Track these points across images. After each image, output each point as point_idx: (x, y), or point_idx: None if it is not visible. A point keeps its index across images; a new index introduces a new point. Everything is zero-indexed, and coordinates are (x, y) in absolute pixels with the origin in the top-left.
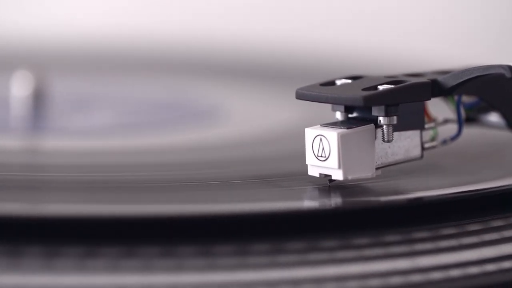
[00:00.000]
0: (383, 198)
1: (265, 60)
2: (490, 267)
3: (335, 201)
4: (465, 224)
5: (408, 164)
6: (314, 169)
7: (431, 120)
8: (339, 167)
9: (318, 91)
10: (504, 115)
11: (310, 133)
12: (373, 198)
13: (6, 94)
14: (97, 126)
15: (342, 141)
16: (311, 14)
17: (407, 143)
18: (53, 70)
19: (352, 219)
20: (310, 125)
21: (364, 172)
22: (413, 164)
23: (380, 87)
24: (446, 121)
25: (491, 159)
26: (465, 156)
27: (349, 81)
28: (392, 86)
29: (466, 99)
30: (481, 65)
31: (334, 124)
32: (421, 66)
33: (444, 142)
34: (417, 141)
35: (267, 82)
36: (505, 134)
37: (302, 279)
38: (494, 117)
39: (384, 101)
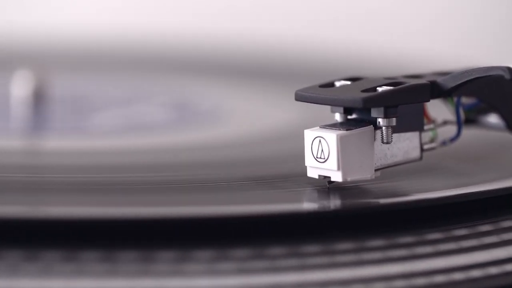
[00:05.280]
0: (382, 200)
1: (265, 60)
2: (477, 272)
3: (334, 203)
4: (465, 226)
5: (407, 165)
6: (313, 170)
7: (430, 121)
8: (338, 169)
9: (317, 93)
10: (503, 116)
11: (309, 134)
12: (372, 200)
13: (6, 94)
14: (97, 126)
15: (341, 143)
16: (311, 15)
17: (406, 145)
18: (53, 70)
19: (349, 221)
20: (309, 126)
21: (363, 173)
22: (412, 165)
23: (379, 89)
24: (445, 123)
25: (491, 160)
26: (464, 158)
27: (348, 82)
28: (391, 87)
29: (465, 100)
30: (481, 66)
31: (333, 126)
32: (420, 67)
33: (444, 143)
34: (416, 142)
35: (267, 82)
36: (504, 135)
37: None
38: (493, 119)
39: (383, 102)
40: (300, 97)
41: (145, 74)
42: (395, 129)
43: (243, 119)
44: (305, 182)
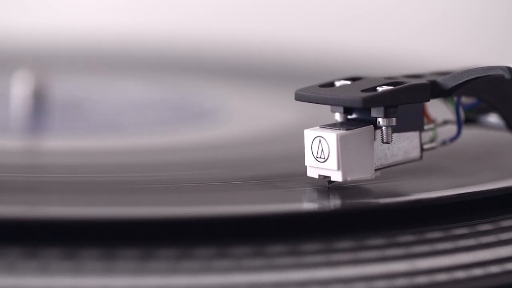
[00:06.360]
0: (382, 200)
1: (265, 60)
2: (478, 271)
3: (334, 202)
4: (464, 226)
5: (408, 165)
6: (313, 170)
7: (430, 121)
8: (338, 169)
9: (317, 92)
10: (503, 116)
11: (309, 134)
12: (372, 200)
13: (6, 94)
14: (97, 126)
15: (341, 143)
16: (311, 14)
17: (406, 144)
18: (53, 70)
19: (351, 220)
20: (309, 126)
21: (363, 173)
22: (412, 165)
23: (379, 88)
24: (445, 122)
25: (490, 160)
26: (464, 157)
27: (348, 82)
28: (391, 87)
29: (465, 100)
30: (481, 66)
31: (333, 126)
32: (420, 67)
33: (443, 143)
34: (416, 142)
35: (267, 82)
36: (504, 135)
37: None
38: (493, 118)
39: (383, 102)
40: (300, 97)
41: (145, 74)
42: (395, 129)
43: (243, 119)
44: (305, 182)
